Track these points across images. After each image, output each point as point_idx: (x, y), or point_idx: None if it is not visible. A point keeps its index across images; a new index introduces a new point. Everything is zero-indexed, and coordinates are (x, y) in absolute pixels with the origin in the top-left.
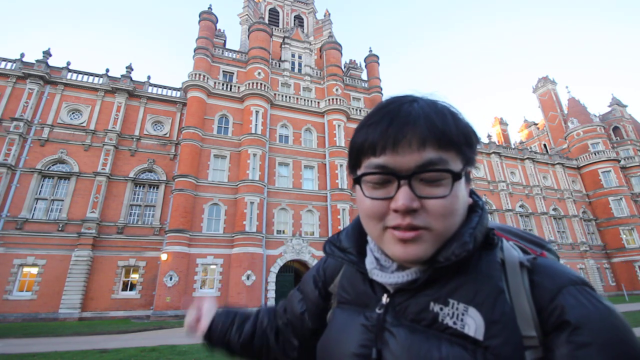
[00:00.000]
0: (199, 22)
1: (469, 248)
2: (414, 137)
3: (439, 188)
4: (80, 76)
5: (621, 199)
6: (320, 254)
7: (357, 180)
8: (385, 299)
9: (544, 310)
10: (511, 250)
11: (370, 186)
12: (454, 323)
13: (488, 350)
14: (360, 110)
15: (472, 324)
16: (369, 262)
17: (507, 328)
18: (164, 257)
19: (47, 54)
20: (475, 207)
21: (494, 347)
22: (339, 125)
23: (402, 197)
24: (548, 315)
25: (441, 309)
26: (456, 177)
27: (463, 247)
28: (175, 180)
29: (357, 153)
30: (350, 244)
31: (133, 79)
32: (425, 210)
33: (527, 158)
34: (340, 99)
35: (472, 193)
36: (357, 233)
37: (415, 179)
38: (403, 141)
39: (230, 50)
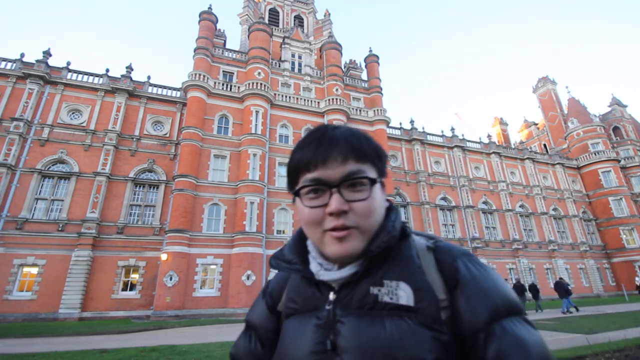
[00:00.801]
0: (199, 22)
1: (394, 235)
2: (339, 154)
3: (361, 193)
4: (80, 76)
5: (621, 199)
6: None
7: (296, 194)
8: (332, 295)
9: (446, 275)
10: (419, 239)
11: (307, 197)
12: (391, 298)
13: (419, 313)
14: (360, 110)
15: (404, 295)
16: (314, 267)
17: (428, 292)
18: (164, 257)
19: (47, 54)
20: (391, 208)
21: (422, 308)
22: None
23: (335, 202)
24: (449, 279)
25: (379, 290)
26: (373, 182)
27: (389, 235)
28: (175, 180)
29: (294, 171)
30: (293, 256)
31: (133, 79)
32: (353, 212)
33: (527, 158)
34: (340, 99)
35: (387, 199)
36: (299, 245)
37: (343, 187)
38: (330, 158)
39: (230, 50)
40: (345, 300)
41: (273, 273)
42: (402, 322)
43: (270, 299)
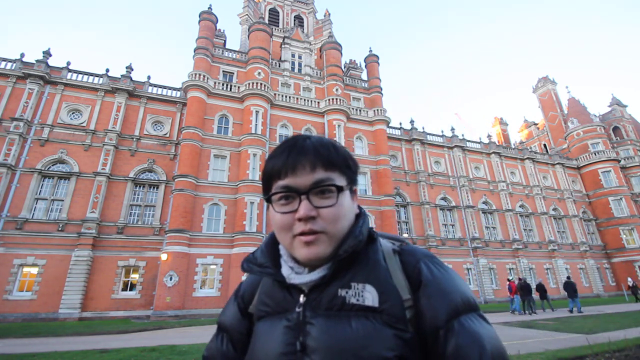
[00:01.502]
0: (199, 22)
1: (361, 239)
2: (307, 163)
3: (328, 199)
4: (80, 76)
5: (621, 199)
6: None
7: (268, 200)
8: (302, 298)
9: (411, 277)
10: (385, 242)
11: (279, 204)
12: (357, 300)
13: (383, 313)
14: (360, 110)
15: (370, 296)
16: (286, 271)
17: (393, 294)
18: (164, 257)
19: (47, 54)
20: (360, 214)
21: (387, 309)
22: (338, 125)
23: (303, 208)
24: (413, 280)
25: (346, 292)
26: (340, 189)
27: (356, 240)
28: (175, 180)
29: (267, 179)
30: (265, 259)
31: (133, 79)
32: (321, 217)
33: (527, 158)
34: (340, 99)
35: (358, 206)
36: (271, 249)
37: (311, 194)
38: (299, 166)
39: (230, 50)
40: (315, 302)
41: None
42: (367, 322)
43: (242, 301)
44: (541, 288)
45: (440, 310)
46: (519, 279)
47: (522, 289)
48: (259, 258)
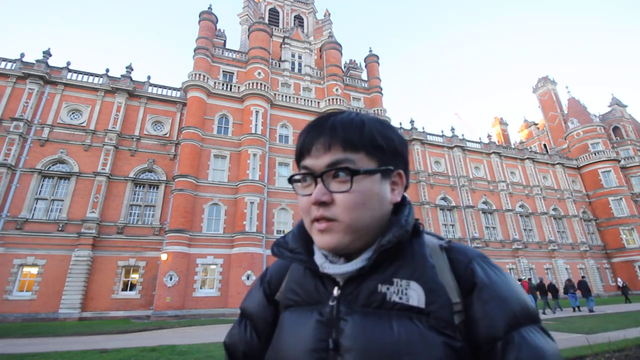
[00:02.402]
0: (199, 22)
1: (408, 229)
2: (321, 143)
3: (343, 184)
4: (80, 76)
5: (621, 199)
6: None
7: (293, 181)
8: (336, 291)
9: (461, 278)
10: (430, 237)
11: (299, 186)
12: (400, 298)
13: (430, 316)
14: (360, 111)
15: (415, 295)
16: (319, 258)
17: (441, 294)
18: (164, 257)
19: (47, 54)
20: (404, 202)
21: (434, 311)
22: None
23: (315, 191)
24: (464, 281)
25: (388, 289)
26: (354, 173)
27: (402, 229)
28: (175, 180)
29: (296, 159)
30: (297, 245)
31: (133, 79)
32: (335, 204)
33: (527, 158)
34: (340, 99)
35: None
36: (303, 234)
37: (327, 176)
38: (314, 146)
39: (230, 50)
40: (351, 296)
41: None
42: (412, 325)
43: (269, 287)
44: (552, 288)
45: (498, 318)
46: (530, 279)
47: (539, 288)
48: (290, 242)
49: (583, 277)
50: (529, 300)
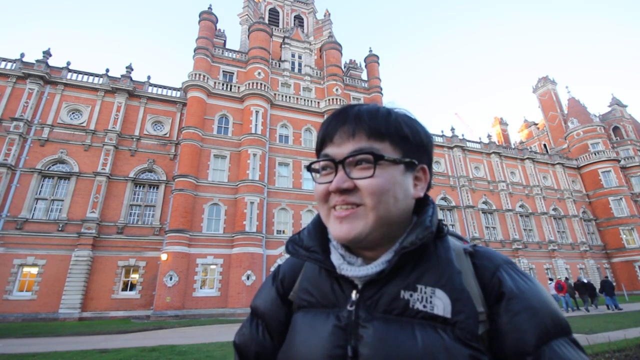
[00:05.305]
0: (199, 22)
1: (432, 231)
2: (344, 131)
3: (365, 170)
4: (80, 76)
5: (621, 199)
6: None
7: (312, 170)
8: (354, 294)
9: (487, 285)
10: (454, 240)
11: (319, 174)
12: (424, 306)
13: (456, 326)
14: None
15: (440, 304)
16: (336, 259)
17: (468, 304)
18: (164, 257)
19: (47, 54)
20: (427, 201)
21: (461, 322)
22: None
23: (336, 178)
24: (490, 289)
25: (411, 295)
26: (378, 158)
27: (426, 230)
28: (175, 180)
29: (317, 148)
30: (312, 242)
31: (133, 79)
32: (359, 190)
33: (527, 158)
34: (340, 99)
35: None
36: (319, 231)
37: (348, 164)
38: (337, 134)
39: (230, 50)
40: (370, 301)
41: None
42: (436, 335)
43: (282, 286)
44: (591, 287)
45: (528, 332)
46: (567, 278)
47: (577, 287)
48: (305, 240)
49: (606, 277)
50: (560, 311)
